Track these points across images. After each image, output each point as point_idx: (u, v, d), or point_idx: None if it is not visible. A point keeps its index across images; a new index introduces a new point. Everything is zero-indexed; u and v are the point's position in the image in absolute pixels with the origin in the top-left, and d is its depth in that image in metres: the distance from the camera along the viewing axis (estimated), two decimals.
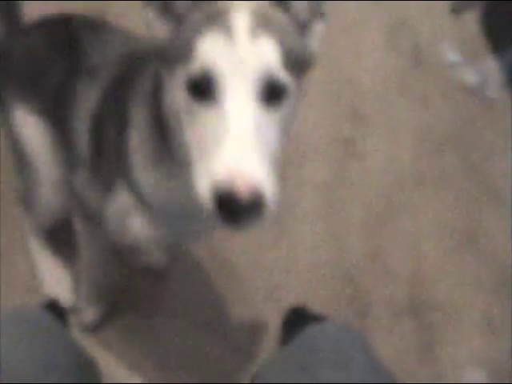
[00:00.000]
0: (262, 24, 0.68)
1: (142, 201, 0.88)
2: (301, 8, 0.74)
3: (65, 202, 1.13)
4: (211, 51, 0.66)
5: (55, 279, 1.27)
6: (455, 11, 1.97)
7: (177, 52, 0.70)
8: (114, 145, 0.88)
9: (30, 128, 1.10)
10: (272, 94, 0.68)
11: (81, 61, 1.00)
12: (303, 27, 0.75)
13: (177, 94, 0.69)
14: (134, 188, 0.87)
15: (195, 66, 0.67)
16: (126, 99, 0.86)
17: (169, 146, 0.78)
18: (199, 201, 0.64)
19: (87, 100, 0.96)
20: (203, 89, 0.67)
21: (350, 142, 1.62)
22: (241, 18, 0.68)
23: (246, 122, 0.65)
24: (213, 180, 0.62)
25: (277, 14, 0.72)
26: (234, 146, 0.63)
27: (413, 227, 1.53)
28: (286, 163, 1.39)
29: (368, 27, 1.86)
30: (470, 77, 1.85)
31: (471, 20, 1.97)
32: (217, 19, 0.68)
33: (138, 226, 0.91)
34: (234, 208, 0.60)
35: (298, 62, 0.71)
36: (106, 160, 0.92)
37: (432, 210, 1.57)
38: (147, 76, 0.83)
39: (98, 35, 1.03)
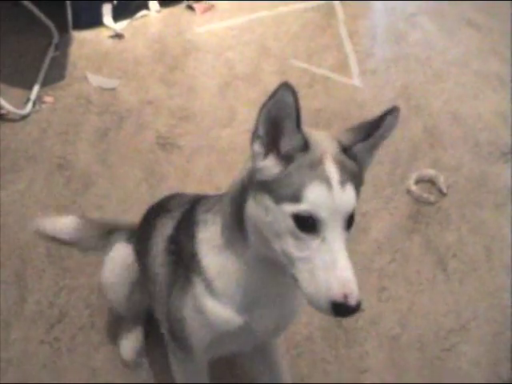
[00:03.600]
0: (345, 173, 0.98)
1: (212, 289, 1.14)
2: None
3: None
4: (317, 200, 0.96)
5: (129, 341, 1.70)
6: None
7: (285, 190, 0.98)
8: (186, 248, 1.21)
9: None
10: (350, 221, 1.00)
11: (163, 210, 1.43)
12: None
13: (281, 219, 0.98)
14: (204, 278, 1.15)
15: (303, 209, 0.96)
16: (192, 218, 1.22)
17: (242, 237, 1.09)
18: (313, 304, 0.98)
19: (165, 228, 1.33)
20: (309, 225, 0.97)
21: None
22: (333, 171, 0.97)
23: (343, 251, 0.97)
24: (331, 295, 0.94)
25: (347, 160, 1.01)
26: (342, 272, 0.95)
27: None
28: None
29: None
30: None
31: None
32: (317, 170, 0.97)
33: (216, 311, 1.15)
34: (345, 312, 0.95)
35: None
36: (182, 264, 1.22)
37: None
38: (207, 201, 1.22)
39: (179, 198, 1.45)
